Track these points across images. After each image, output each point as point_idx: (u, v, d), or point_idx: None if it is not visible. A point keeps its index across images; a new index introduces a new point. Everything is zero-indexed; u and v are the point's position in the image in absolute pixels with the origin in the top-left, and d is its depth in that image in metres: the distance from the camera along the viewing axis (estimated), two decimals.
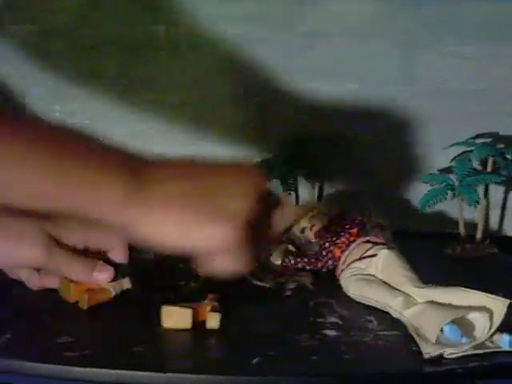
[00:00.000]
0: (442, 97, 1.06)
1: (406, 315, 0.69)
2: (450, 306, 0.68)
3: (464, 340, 0.63)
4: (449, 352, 0.62)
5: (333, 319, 0.72)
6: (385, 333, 0.69)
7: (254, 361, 0.63)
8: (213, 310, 0.69)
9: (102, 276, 0.72)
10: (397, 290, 0.74)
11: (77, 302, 0.72)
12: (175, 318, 0.68)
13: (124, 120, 1.12)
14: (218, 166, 0.59)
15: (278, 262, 0.88)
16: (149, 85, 1.11)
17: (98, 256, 0.75)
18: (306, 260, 0.88)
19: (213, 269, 0.59)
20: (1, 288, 0.79)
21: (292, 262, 0.88)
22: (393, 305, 0.71)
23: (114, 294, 0.73)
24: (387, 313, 0.73)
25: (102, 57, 1.10)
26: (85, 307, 0.71)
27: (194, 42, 1.09)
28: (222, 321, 0.68)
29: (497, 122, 1.04)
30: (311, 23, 1.06)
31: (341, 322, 0.72)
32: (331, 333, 0.69)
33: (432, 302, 0.69)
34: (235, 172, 0.59)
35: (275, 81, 1.09)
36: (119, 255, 0.75)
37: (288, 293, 0.80)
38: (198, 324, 0.68)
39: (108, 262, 0.74)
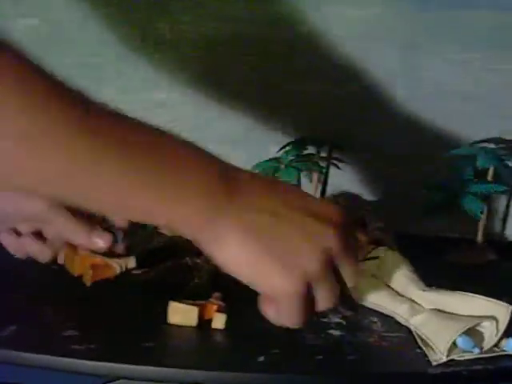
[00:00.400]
0: (442, 100, 1.06)
1: (413, 323, 0.69)
2: (457, 315, 0.68)
3: (476, 351, 0.64)
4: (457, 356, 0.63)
5: (337, 319, 0.73)
6: (389, 334, 0.69)
7: (260, 359, 0.63)
8: (219, 311, 0.69)
9: (101, 241, 0.68)
10: (402, 295, 0.74)
11: (81, 277, 0.72)
12: (181, 314, 0.68)
13: None
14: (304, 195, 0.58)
15: None
16: (150, 84, 1.11)
17: (99, 222, 0.70)
18: None
19: (268, 314, 0.57)
20: (7, 280, 0.79)
21: None
22: (399, 312, 0.71)
23: (118, 271, 0.73)
24: None
25: (103, 55, 1.10)
26: (88, 283, 0.71)
27: (195, 42, 1.09)
28: (228, 319, 0.69)
29: (497, 126, 1.05)
30: (313, 25, 1.07)
31: (345, 323, 0.72)
32: (336, 333, 0.69)
33: (438, 310, 0.69)
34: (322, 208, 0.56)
35: (276, 81, 1.09)
36: (119, 220, 0.71)
37: None
38: (204, 322, 0.69)
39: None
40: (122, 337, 0.66)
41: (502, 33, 1.03)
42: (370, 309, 0.75)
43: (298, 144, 1.07)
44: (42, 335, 0.66)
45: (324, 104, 1.09)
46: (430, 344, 0.65)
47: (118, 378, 0.64)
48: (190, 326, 0.68)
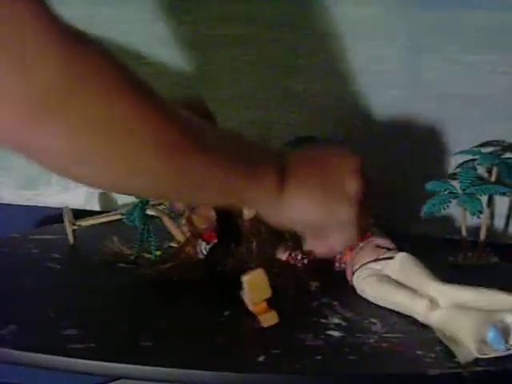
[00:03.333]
0: (444, 102, 1.06)
1: (433, 319, 0.69)
2: (480, 310, 0.68)
3: (502, 348, 0.63)
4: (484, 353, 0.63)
5: (337, 320, 0.72)
6: (389, 335, 0.69)
7: (260, 359, 0.63)
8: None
9: None
10: (418, 291, 0.73)
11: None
12: None
13: None
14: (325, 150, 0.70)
15: (284, 257, 0.88)
16: (153, 84, 1.11)
17: None
18: (311, 257, 0.88)
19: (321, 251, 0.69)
20: (7, 279, 0.79)
21: (298, 257, 0.88)
22: (416, 308, 0.71)
23: None
24: (391, 315, 0.74)
25: None
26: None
27: (197, 42, 1.09)
28: (227, 318, 0.69)
29: (499, 127, 1.05)
30: (317, 25, 1.07)
31: (345, 323, 0.72)
32: (335, 333, 0.69)
33: (460, 307, 0.69)
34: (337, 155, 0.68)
35: (278, 81, 1.09)
36: None
37: (292, 293, 0.80)
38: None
39: None
40: (121, 336, 0.66)
41: (504, 33, 1.02)
42: (370, 309, 0.75)
43: (298, 143, 1.07)
44: (42, 334, 0.66)
45: (326, 105, 1.09)
46: (458, 341, 0.64)
47: (117, 378, 0.64)
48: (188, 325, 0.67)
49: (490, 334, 0.63)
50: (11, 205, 1.04)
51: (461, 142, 1.05)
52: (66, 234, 0.94)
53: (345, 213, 0.65)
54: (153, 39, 1.10)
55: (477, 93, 1.05)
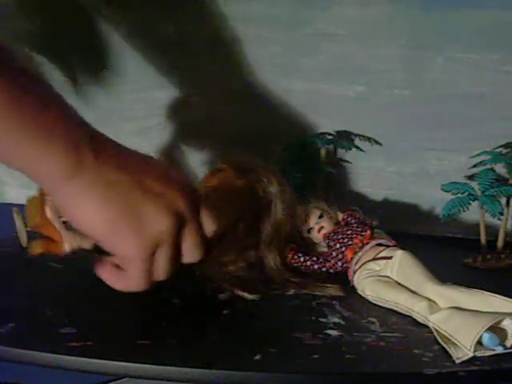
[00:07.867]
0: (446, 101, 1.06)
1: (433, 320, 0.68)
2: (479, 312, 0.68)
3: (500, 348, 0.63)
4: (480, 354, 0.63)
5: (335, 319, 0.72)
6: (387, 334, 0.69)
7: (256, 357, 0.63)
8: None
9: None
10: (417, 292, 0.74)
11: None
12: None
13: (132, 117, 1.12)
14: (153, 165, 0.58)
15: (287, 260, 0.88)
16: (157, 82, 1.12)
17: None
18: (314, 259, 0.88)
19: (106, 278, 0.59)
20: (5, 277, 0.79)
21: (301, 259, 0.88)
22: (416, 309, 0.71)
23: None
24: (391, 315, 0.73)
25: (111, 54, 1.11)
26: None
27: (203, 41, 1.10)
28: (224, 318, 0.68)
29: (501, 126, 1.05)
30: (319, 25, 1.07)
31: (343, 323, 0.72)
32: (333, 333, 0.69)
33: (458, 308, 0.69)
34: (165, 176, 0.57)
35: (283, 82, 1.09)
36: None
37: (291, 292, 0.80)
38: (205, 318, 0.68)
39: None
40: (120, 334, 0.66)
41: (506, 32, 1.02)
42: (369, 308, 0.75)
43: (302, 144, 1.07)
44: (39, 332, 0.66)
45: (329, 105, 1.09)
46: (454, 341, 0.64)
47: (116, 376, 0.64)
48: (186, 324, 0.68)
49: (486, 336, 0.63)
50: (15, 204, 1.05)
51: (463, 141, 1.05)
52: None
53: (132, 245, 0.54)
54: (153, 39, 1.10)
55: (479, 92, 1.05)
